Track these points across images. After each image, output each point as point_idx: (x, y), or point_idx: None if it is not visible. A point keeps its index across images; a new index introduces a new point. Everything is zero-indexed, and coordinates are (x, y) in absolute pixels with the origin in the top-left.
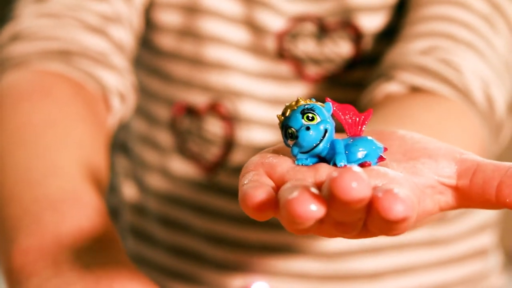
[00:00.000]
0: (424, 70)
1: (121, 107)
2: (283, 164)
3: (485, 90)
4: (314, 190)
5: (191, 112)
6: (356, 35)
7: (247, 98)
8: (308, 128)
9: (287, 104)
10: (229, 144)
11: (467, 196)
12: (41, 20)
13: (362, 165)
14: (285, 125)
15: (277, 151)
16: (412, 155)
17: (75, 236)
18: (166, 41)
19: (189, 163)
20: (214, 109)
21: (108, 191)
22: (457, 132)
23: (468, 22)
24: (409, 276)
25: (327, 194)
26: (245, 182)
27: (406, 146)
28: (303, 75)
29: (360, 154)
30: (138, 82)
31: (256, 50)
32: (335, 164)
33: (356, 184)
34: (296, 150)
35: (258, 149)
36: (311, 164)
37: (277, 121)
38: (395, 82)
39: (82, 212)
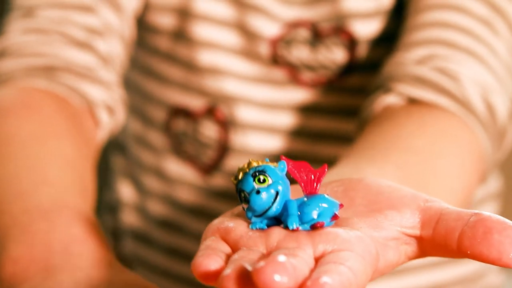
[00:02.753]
0: (421, 81)
1: (110, 120)
2: (238, 229)
3: (485, 97)
4: (248, 267)
5: (187, 115)
6: (350, 41)
7: (243, 102)
8: (258, 192)
9: (240, 167)
10: (223, 148)
11: (432, 246)
12: (27, 36)
13: (314, 226)
14: (239, 188)
15: (237, 211)
16: (375, 207)
17: (66, 244)
18: (161, 43)
19: (185, 164)
20: (211, 113)
21: (105, 187)
22: (451, 153)
23: (467, 27)
24: (406, 276)
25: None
26: (201, 248)
27: (370, 197)
28: (298, 80)
29: (314, 213)
30: (134, 82)
31: (250, 55)
32: (287, 227)
33: (279, 276)
34: (249, 213)
35: (252, 154)
36: (265, 227)
37: (274, 125)
38: (393, 94)
39: (72, 221)
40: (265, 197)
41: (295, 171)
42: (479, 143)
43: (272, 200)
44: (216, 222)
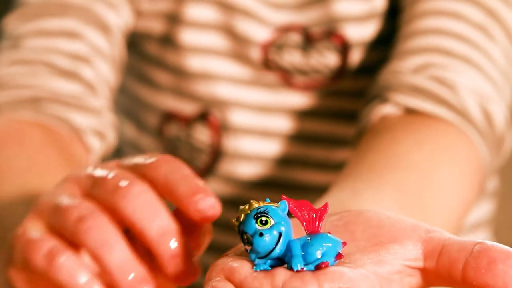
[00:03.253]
0: (418, 91)
1: (101, 144)
2: (242, 270)
3: (482, 105)
4: None
5: (180, 120)
6: (342, 45)
7: (235, 106)
8: (261, 234)
9: (241, 207)
10: (217, 152)
11: (436, 277)
12: (13, 68)
13: (319, 266)
14: (241, 230)
15: (240, 251)
16: (377, 241)
17: None
18: (151, 49)
19: None
20: (203, 118)
21: None
22: (449, 167)
23: (462, 33)
24: None
25: None
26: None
27: (370, 231)
28: (290, 84)
29: (318, 253)
30: (128, 87)
31: (241, 59)
32: (291, 268)
33: None
34: (253, 256)
35: (246, 157)
36: (269, 268)
37: (267, 128)
38: (390, 104)
39: None
40: (268, 239)
41: (297, 210)
42: (477, 152)
43: (276, 241)
44: (219, 262)
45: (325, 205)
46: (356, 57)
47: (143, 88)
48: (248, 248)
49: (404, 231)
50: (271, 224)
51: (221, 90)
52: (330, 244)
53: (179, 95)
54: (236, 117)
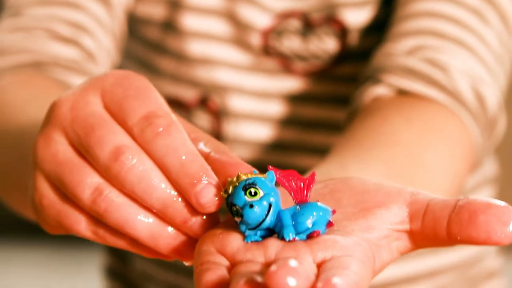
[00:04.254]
0: (411, 72)
1: None
2: (233, 242)
3: (475, 88)
4: (258, 278)
5: (180, 105)
6: (341, 31)
7: (235, 92)
8: (251, 206)
9: (229, 179)
10: (217, 138)
11: (422, 238)
12: (13, 35)
13: (310, 235)
14: (229, 202)
15: (226, 223)
16: (363, 206)
17: None
18: (151, 34)
19: None
20: (203, 103)
21: None
22: (439, 145)
23: (457, 17)
24: (403, 264)
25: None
26: (201, 262)
27: (356, 197)
28: (290, 69)
29: (308, 223)
30: None
31: (241, 45)
32: (283, 238)
33: (293, 279)
34: (243, 227)
35: (246, 143)
36: (260, 239)
37: (267, 114)
38: (383, 85)
39: None
40: (258, 210)
41: (284, 180)
42: (469, 134)
43: (266, 212)
44: (209, 234)
45: (312, 174)
46: (355, 42)
47: (143, 73)
48: (238, 220)
49: (390, 195)
50: (260, 195)
51: (221, 76)
52: (320, 213)
53: (179, 81)
54: (236, 103)
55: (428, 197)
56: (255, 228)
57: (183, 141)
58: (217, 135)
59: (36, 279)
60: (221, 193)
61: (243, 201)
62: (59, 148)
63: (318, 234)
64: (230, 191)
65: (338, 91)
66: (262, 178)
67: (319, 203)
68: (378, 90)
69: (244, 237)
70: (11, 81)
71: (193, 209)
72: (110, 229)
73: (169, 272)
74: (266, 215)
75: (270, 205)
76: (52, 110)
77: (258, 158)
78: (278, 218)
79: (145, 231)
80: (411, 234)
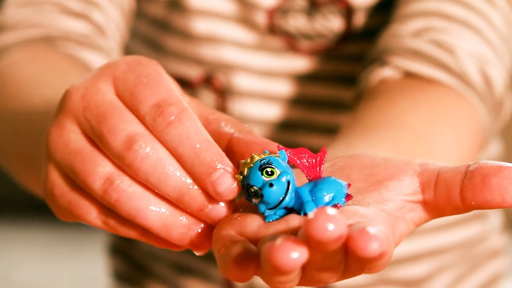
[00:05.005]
0: (417, 54)
1: None
2: (253, 223)
3: (481, 69)
4: (294, 237)
5: (184, 84)
6: (347, 9)
7: (240, 70)
8: (271, 185)
9: (242, 161)
10: None
11: (437, 207)
12: (22, 9)
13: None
14: (246, 184)
15: (241, 207)
16: (374, 180)
17: None
18: (157, 12)
19: None
20: (208, 82)
21: None
22: (447, 127)
23: None
24: (406, 241)
25: (304, 238)
26: (221, 245)
27: (366, 171)
28: (295, 48)
29: (327, 197)
30: (133, 52)
31: (247, 23)
32: (305, 214)
33: (332, 224)
34: (263, 207)
35: (251, 121)
36: (279, 217)
37: (272, 92)
38: (389, 67)
39: None
40: (277, 189)
41: (296, 158)
42: (477, 115)
43: (285, 190)
44: (226, 219)
45: (324, 149)
46: (360, 21)
47: (148, 52)
48: (256, 201)
49: (399, 167)
50: (277, 174)
51: (226, 54)
52: (337, 187)
53: (184, 59)
54: (241, 81)
55: (437, 166)
56: (274, 207)
57: (195, 129)
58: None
59: (39, 259)
60: (236, 175)
61: (261, 181)
62: (71, 137)
63: (339, 208)
64: (245, 172)
65: (343, 70)
66: (276, 157)
67: (334, 178)
68: (385, 72)
69: (264, 217)
70: (22, 55)
71: (209, 196)
72: (122, 219)
73: (175, 251)
74: (285, 193)
75: (288, 183)
76: (64, 98)
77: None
78: (297, 195)
79: (158, 221)
80: (425, 204)
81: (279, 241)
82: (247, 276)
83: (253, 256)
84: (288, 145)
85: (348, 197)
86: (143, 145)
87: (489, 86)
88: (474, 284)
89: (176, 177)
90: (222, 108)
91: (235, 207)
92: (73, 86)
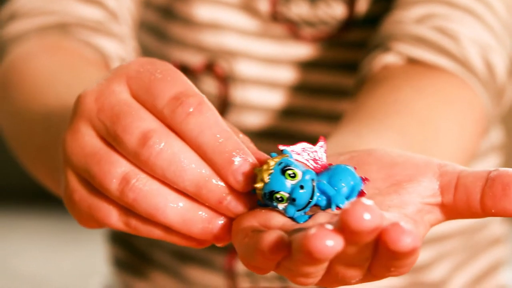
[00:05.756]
0: (420, 41)
1: None
2: (278, 217)
3: (484, 56)
4: (329, 226)
5: (186, 71)
6: None
7: (243, 57)
8: (301, 187)
9: (257, 169)
10: (224, 103)
11: (455, 211)
12: None
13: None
14: (268, 192)
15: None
16: (394, 180)
17: None
18: (160, 0)
19: None
20: (210, 69)
21: None
22: (451, 114)
23: None
24: None
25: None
26: (244, 235)
27: (385, 170)
28: (298, 35)
29: (345, 188)
30: (139, 40)
31: (249, 10)
32: (337, 207)
33: (368, 214)
34: (292, 210)
35: (253, 108)
36: (310, 217)
37: (275, 80)
38: (392, 53)
39: None
40: (308, 190)
41: (299, 154)
42: (479, 101)
43: (311, 190)
44: (248, 213)
45: (321, 138)
46: (362, 8)
47: (152, 39)
48: (283, 205)
49: (418, 167)
50: (299, 174)
51: (229, 41)
52: (351, 174)
53: (186, 46)
54: (243, 68)
55: (457, 169)
56: (303, 208)
57: (216, 119)
58: (224, 100)
59: (39, 247)
60: (256, 185)
61: (289, 185)
62: (86, 140)
63: (364, 195)
64: (266, 179)
65: (346, 57)
66: (289, 159)
67: (342, 165)
68: (388, 58)
69: (293, 220)
70: (37, 45)
71: (228, 188)
72: (142, 219)
73: None
74: (313, 192)
75: (312, 181)
76: (78, 103)
77: (265, 124)
78: (321, 191)
79: (177, 218)
80: (442, 207)
81: (314, 229)
82: (271, 265)
83: (284, 243)
84: (290, 131)
85: (361, 193)
86: (158, 140)
87: (491, 73)
88: (474, 271)
89: (192, 170)
90: (224, 95)
91: (253, 200)
92: (86, 90)
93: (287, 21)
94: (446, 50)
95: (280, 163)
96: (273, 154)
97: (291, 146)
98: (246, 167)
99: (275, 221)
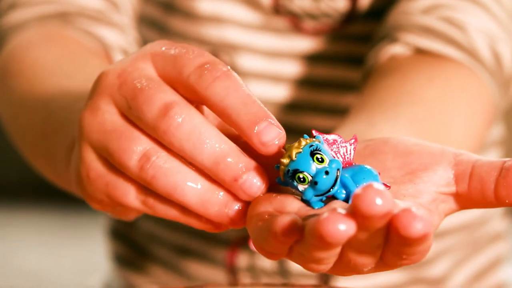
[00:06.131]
0: (428, 31)
1: None
2: (293, 203)
3: (491, 46)
4: (342, 210)
5: None
6: None
7: (245, 51)
8: (327, 172)
9: (288, 145)
10: None
11: (470, 200)
12: None
13: None
14: (294, 169)
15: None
16: (409, 169)
17: None
18: None
19: None
20: None
21: None
22: (461, 103)
23: None
24: None
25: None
26: (259, 220)
27: (400, 159)
28: (300, 29)
29: None
30: (139, 35)
31: (251, 3)
32: None
33: (380, 199)
34: (310, 194)
35: None
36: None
37: (277, 73)
38: (400, 44)
39: None
40: (331, 177)
41: (328, 144)
42: (487, 91)
43: (335, 177)
44: (263, 197)
45: (354, 137)
46: (365, 1)
47: (153, 33)
48: (303, 187)
49: (434, 156)
50: (327, 161)
51: (231, 34)
52: (375, 176)
53: (188, 40)
54: (245, 62)
55: (472, 159)
56: (322, 194)
57: (242, 84)
58: None
59: (39, 244)
60: (282, 160)
61: (315, 168)
62: (106, 117)
63: None
64: (294, 157)
65: (348, 51)
66: (320, 144)
67: (367, 166)
68: (395, 49)
69: (309, 203)
70: (37, 34)
71: (245, 166)
72: (160, 198)
73: (176, 234)
74: (335, 181)
75: (338, 171)
76: (99, 80)
77: None
78: (343, 184)
79: (195, 198)
80: (457, 196)
81: (326, 213)
82: (283, 250)
83: (297, 227)
84: (293, 126)
85: (385, 186)
86: (179, 112)
87: (498, 63)
88: (475, 267)
89: (211, 145)
90: None
91: (267, 183)
92: (108, 68)
93: (289, 14)
94: (454, 40)
95: (311, 145)
96: (305, 136)
97: (325, 135)
98: (271, 129)
99: (291, 207)
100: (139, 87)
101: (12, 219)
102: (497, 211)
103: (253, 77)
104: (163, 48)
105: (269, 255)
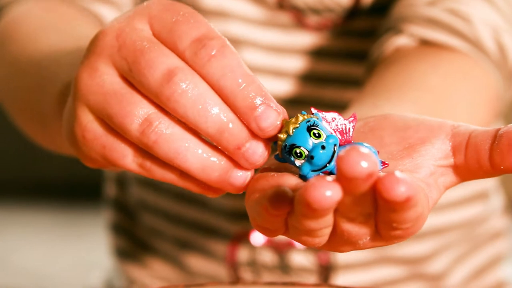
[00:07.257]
0: (433, 22)
1: None
2: (291, 179)
3: (496, 38)
4: (329, 178)
5: None
6: None
7: (248, 46)
8: (323, 147)
9: (286, 120)
10: None
11: (467, 170)
12: None
13: None
14: (290, 144)
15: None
16: (406, 144)
17: None
18: None
19: None
20: None
21: None
22: (465, 90)
23: None
24: None
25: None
26: (256, 196)
27: (398, 134)
28: (303, 24)
29: None
30: None
31: None
32: None
33: (364, 161)
34: (307, 169)
35: None
36: None
37: (280, 68)
38: (405, 35)
39: None
40: (328, 152)
41: (327, 122)
42: (492, 81)
43: (332, 153)
44: (260, 176)
45: (354, 115)
46: None
47: None
48: (300, 162)
49: (432, 129)
50: (324, 137)
51: (234, 29)
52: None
53: None
54: (249, 57)
55: (469, 129)
56: (318, 170)
57: (238, 63)
58: None
59: (38, 242)
60: (280, 135)
61: (312, 143)
62: (105, 79)
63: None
64: (291, 132)
65: (351, 46)
66: (318, 120)
67: (366, 144)
68: (400, 40)
69: (305, 179)
70: (34, 5)
71: (248, 135)
72: (158, 162)
73: (178, 228)
74: (332, 157)
75: (334, 146)
76: (97, 39)
77: None
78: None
79: (197, 163)
80: (455, 168)
81: (312, 180)
82: (278, 224)
83: (286, 197)
84: None
85: (383, 163)
86: (183, 78)
87: (503, 55)
88: (475, 264)
89: (216, 113)
90: None
91: (268, 152)
92: (105, 27)
93: (293, 9)
94: (459, 31)
95: (308, 121)
96: (303, 112)
97: (324, 112)
98: (269, 113)
99: (287, 183)
100: (140, 49)
101: (12, 218)
102: (497, 209)
103: (256, 72)
104: (160, 10)
105: (266, 231)
